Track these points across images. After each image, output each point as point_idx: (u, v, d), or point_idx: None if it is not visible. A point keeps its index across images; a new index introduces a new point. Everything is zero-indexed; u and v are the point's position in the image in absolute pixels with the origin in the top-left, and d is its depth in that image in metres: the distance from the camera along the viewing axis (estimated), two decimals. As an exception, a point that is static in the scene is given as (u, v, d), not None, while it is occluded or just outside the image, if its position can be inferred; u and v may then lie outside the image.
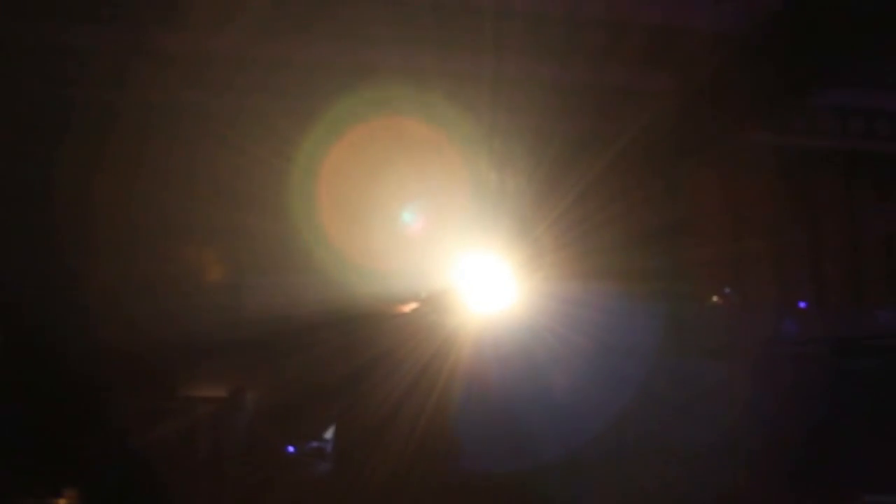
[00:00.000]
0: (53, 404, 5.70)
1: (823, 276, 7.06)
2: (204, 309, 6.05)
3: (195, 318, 5.88)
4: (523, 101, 5.78)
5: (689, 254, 6.46)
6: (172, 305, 5.96)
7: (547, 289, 5.82)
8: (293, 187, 5.92)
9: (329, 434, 6.37)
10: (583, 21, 5.57)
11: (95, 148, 5.76)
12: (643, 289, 6.04)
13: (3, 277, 5.56)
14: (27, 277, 5.73)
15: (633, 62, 5.82)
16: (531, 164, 6.06)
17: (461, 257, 5.95)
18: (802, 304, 6.98)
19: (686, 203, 6.75)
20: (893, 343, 6.48)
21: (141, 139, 5.89)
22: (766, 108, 5.93)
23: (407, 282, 6.10)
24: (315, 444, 6.35)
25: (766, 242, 6.83)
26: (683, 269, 6.39)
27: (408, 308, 6.25)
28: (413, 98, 5.70)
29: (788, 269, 6.99)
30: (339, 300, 5.82)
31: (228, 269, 6.48)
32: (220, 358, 6.23)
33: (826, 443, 5.78)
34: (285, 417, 6.35)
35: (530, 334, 5.75)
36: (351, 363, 5.87)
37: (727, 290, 6.88)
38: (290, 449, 6.33)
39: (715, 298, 6.91)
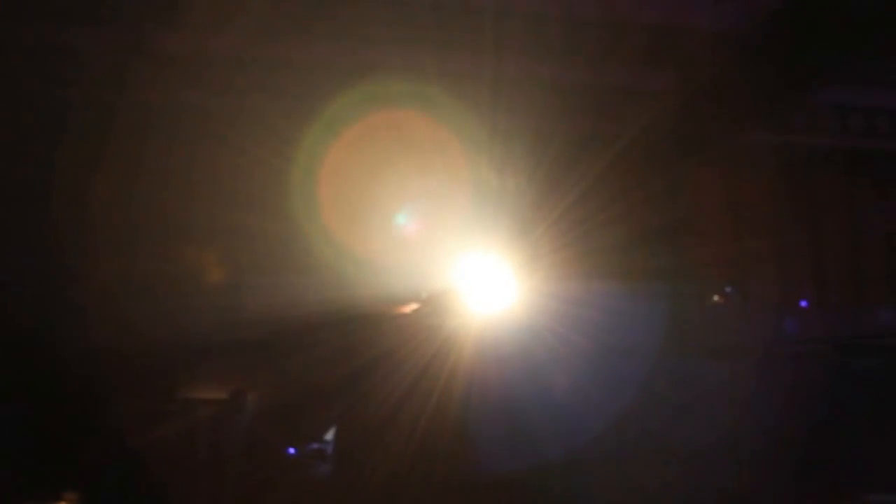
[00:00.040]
0: (54, 406, 5.69)
1: (824, 275, 7.06)
2: (204, 310, 6.04)
3: (195, 319, 5.87)
4: (524, 102, 5.77)
5: (689, 253, 6.46)
6: (173, 306, 5.96)
7: (547, 289, 5.81)
8: (293, 188, 5.91)
9: (329, 435, 6.37)
10: (583, 21, 5.56)
11: (95, 149, 5.75)
12: (644, 289, 6.05)
13: (3, 278, 5.55)
14: (27, 279, 5.72)
15: (634, 62, 5.81)
16: (531, 164, 6.05)
17: (461, 258, 5.95)
18: (803, 303, 6.98)
19: (686, 202, 6.75)
20: (894, 342, 6.49)
21: (140, 140, 5.88)
22: (766, 106, 5.93)
23: (407, 282, 6.09)
24: (315, 445, 6.35)
25: (767, 241, 6.84)
26: (684, 269, 6.39)
27: (408, 309, 6.24)
28: (413, 98, 5.69)
29: (789, 268, 6.99)
30: (340, 301, 5.81)
31: (229, 270, 6.47)
32: (220, 359, 6.22)
33: (827, 442, 5.79)
34: (286, 418, 6.35)
35: (531, 335, 5.75)
36: (351, 364, 5.87)
37: (728, 289, 6.89)
38: (291, 450, 6.33)
39: (716, 298, 6.91)
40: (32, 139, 5.74)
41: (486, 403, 5.73)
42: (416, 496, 5.63)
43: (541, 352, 5.71)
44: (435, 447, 5.65)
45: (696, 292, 6.72)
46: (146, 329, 5.84)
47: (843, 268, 7.09)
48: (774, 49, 5.32)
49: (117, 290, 5.96)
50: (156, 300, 6.01)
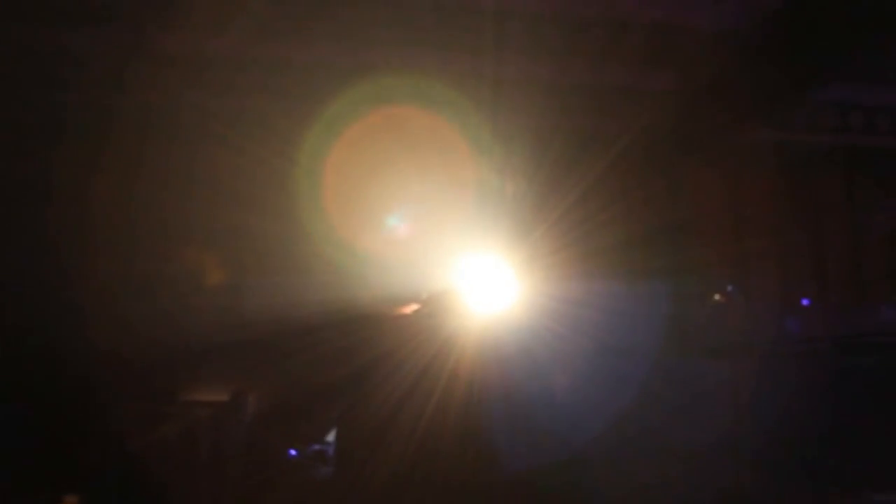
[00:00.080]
0: (54, 408, 5.67)
1: (826, 274, 7.05)
2: (205, 311, 6.04)
3: (196, 320, 5.87)
4: (524, 102, 5.77)
5: (690, 252, 6.45)
6: (173, 307, 5.95)
7: (548, 289, 5.81)
8: (293, 188, 5.91)
9: (331, 436, 6.35)
10: (582, 21, 5.56)
11: (96, 150, 5.75)
12: (645, 288, 6.04)
13: (4, 280, 5.54)
14: (28, 280, 5.71)
15: (634, 61, 5.81)
16: (532, 164, 6.05)
17: (462, 258, 5.95)
18: (805, 302, 6.97)
19: (687, 202, 6.75)
20: (896, 340, 6.48)
21: (141, 141, 5.88)
22: (766, 105, 5.94)
23: (408, 283, 6.09)
24: (317, 446, 6.33)
25: (768, 240, 6.83)
26: (685, 268, 6.38)
27: (409, 309, 6.23)
28: (413, 99, 5.70)
29: (791, 266, 6.98)
30: (340, 301, 5.80)
31: (229, 271, 6.47)
32: (220, 360, 6.21)
33: (831, 441, 5.77)
34: (286, 420, 6.33)
35: (532, 335, 5.74)
36: (352, 365, 5.85)
37: (729, 288, 6.87)
38: (292, 452, 6.31)
39: (717, 297, 6.89)
40: (34, 141, 5.75)
41: (486, 403, 5.71)
42: (417, 497, 5.61)
43: (542, 352, 5.70)
44: (436, 447, 5.63)
45: (697, 291, 6.71)
46: (146, 330, 5.82)
47: (844, 266, 7.07)
48: (774, 48, 5.33)
49: (117, 291, 5.96)
50: (156, 301, 6.00)
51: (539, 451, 5.64)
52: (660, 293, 6.06)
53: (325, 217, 5.94)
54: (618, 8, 5.55)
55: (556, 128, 6.00)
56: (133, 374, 5.91)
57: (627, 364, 5.75)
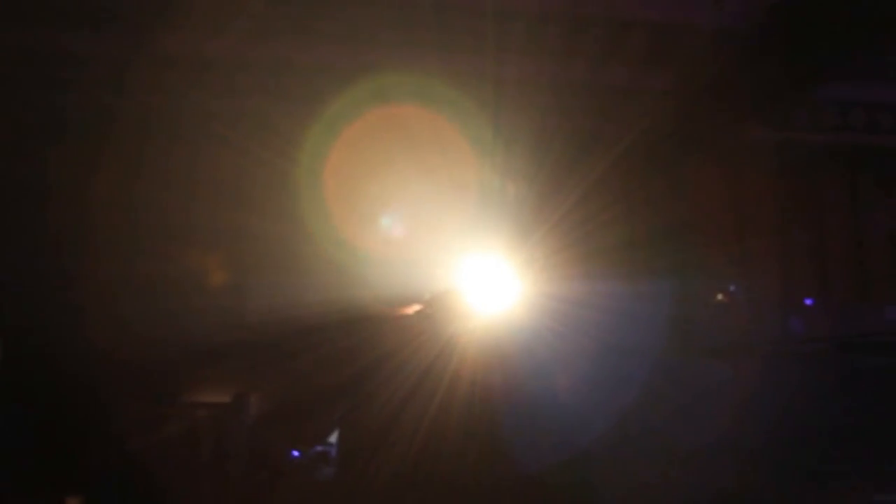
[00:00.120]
0: (56, 409, 5.68)
1: (828, 273, 7.04)
2: (207, 312, 6.04)
3: (199, 322, 5.87)
4: (526, 102, 5.77)
5: (692, 252, 6.44)
6: (176, 309, 5.95)
7: (550, 289, 5.81)
8: (296, 189, 5.91)
9: (333, 438, 6.36)
10: (583, 21, 5.56)
11: (98, 152, 5.75)
12: (647, 288, 6.03)
13: (7, 282, 5.55)
14: (30, 281, 5.72)
15: (635, 61, 5.81)
16: (534, 164, 6.05)
17: (465, 259, 5.95)
18: (808, 302, 6.96)
19: (689, 201, 6.74)
20: (900, 340, 6.48)
21: (141, 142, 5.88)
22: (767, 104, 5.94)
23: (410, 283, 6.09)
24: (320, 447, 6.34)
25: (770, 240, 6.82)
26: (687, 268, 6.37)
27: (411, 310, 6.24)
28: (414, 100, 5.69)
29: (793, 266, 6.98)
30: (343, 302, 5.80)
31: (232, 272, 6.47)
32: (223, 361, 6.21)
33: (833, 441, 5.77)
34: (289, 421, 6.34)
35: (533, 335, 5.74)
36: (355, 365, 5.86)
37: (732, 288, 6.87)
38: (295, 453, 6.32)
39: (720, 297, 6.90)
40: (35, 142, 5.75)
41: (489, 404, 5.72)
42: (420, 497, 5.61)
43: (543, 352, 5.70)
44: (439, 448, 5.63)
45: (699, 291, 6.71)
46: (149, 331, 5.83)
47: (847, 265, 7.06)
48: (775, 47, 5.32)
49: (120, 293, 5.96)
50: (159, 302, 6.00)
51: (541, 450, 5.64)
52: (662, 293, 6.05)
53: (327, 218, 5.93)
54: (618, 8, 5.55)
55: (557, 128, 5.99)
56: (135, 376, 5.92)
57: (629, 364, 5.74)
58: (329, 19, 5.52)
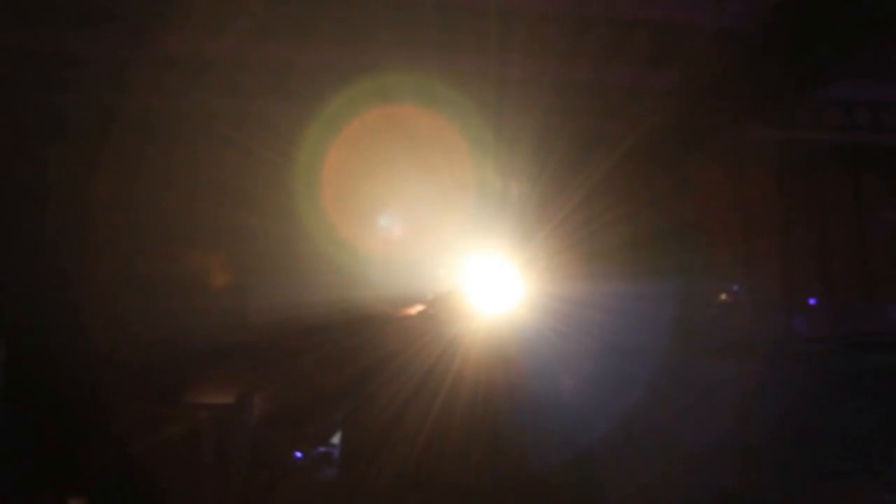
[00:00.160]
0: (58, 410, 5.67)
1: (832, 273, 7.03)
2: (210, 313, 6.03)
3: (201, 322, 5.87)
4: (528, 102, 5.76)
5: (696, 252, 6.44)
6: (178, 309, 5.94)
7: (554, 290, 5.80)
8: (298, 190, 5.90)
9: (336, 438, 6.35)
10: (586, 20, 5.54)
11: (98, 152, 5.74)
12: (651, 288, 6.03)
13: (8, 282, 5.54)
14: (31, 282, 5.71)
15: (637, 61, 5.81)
16: (537, 164, 6.04)
17: (468, 259, 5.94)
18: (812, 301, 6.96)
19: (692, 201, 6.74)
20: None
21: (142, 142, 5.88)
22: (771, 103, 5.93)
23: (413, 284, 6.08)
24: (322, 448, 6.34)
25: (774, 239, 6.82)
26: (691, 268, 6.38)
27: (414, 310, 6.23)
28: (416, 100, 5.68)
29: (797, 265, 6.97)
30: (345, 303, 5.80)
31: (234, 273, 6.46)
32: (226, 362, 6.21)
33: (836, 441, 5.78)
34: (292, 421, 6.33)
35: (537, 336, 5.73)
36: (357, 366, 5.85)
37: (735, 287, 6.87)
38: (297, 454, 6.31)
39: (723, 297, 6.89)
40: (35, 142, 5.74)
41: (492, 404, 5.71)
42: (423, 498, 5.61)
43: (547, 352, 5.70)
44: (441, 449, 5.63)
45: (703, 291, 6.70)
46: (151, 332, 5.83)
47: (851, 265, 7.06)
48: (778, 46, 5.31)
49: (122, 294, 5.95)
50: (160, 303, 5.99)
51: (545, 450, 5.64)
52: (665, 293, 6.05)
53: (329, 219, 5.93)
54: (621, 8, 5.54)
55: (560, 128, 5.99)
56: (137, 376, 5.91)
57: (633, 364, 5.74)
58: (330, 19, 5.50)
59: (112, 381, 5.76)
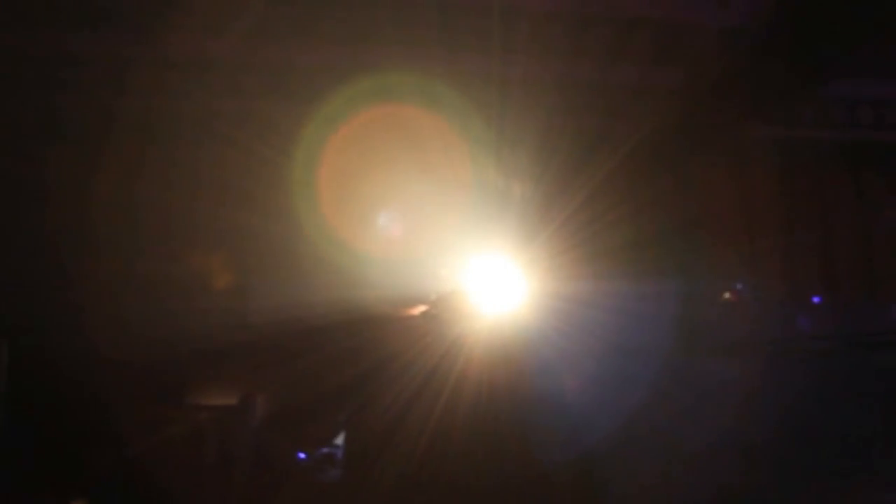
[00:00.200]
0: (59, 411, 5.66)
1: (836, 271, 7.03)
2: (212, 313, 6.03)
3: (203, 323, 5.86)
4: (531, 101, 5.75)
5: (699, 251, 6.44)
6: (180, 310, 5.94)
7: (557, 290, 5.80)
8: (299, 190, 5.89)
9: (339, 439, 6.34)
10: (590, 19, 5.53)
11: (98, 152, 5.73)
12: (654, 288, 6.03)
13: (9, 282, 5.53)
14: (33, 282, 5.70)
15: (641, 60, 5.80)
16: (539, 164, 6.03)
17: (471, 259, 5.94)
18: (815, 300, 6.95)
19: (695, 200, 6.73)
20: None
21: (143, 142, 5.86)
22: (774, 101, 5.93)
23: (416, 284, 6.07)
24: (325, 449, 6.33)
25: (777, 237, 6.82)
26: (694, 267, 6.37)
27: (417, 310, 6.22)
28: (418, 99, 5.67)
29: (800, 264, 6.96)
30: (348, 303, 5.79)
31: (236, 273, 6.45)
32: (228, 363, 6.20)
33: (839, 440, 5.79)
34: (295, 423, 6.32)
35: (540, 336, 5.74)
36: (360, 366, 5.85)
37: (738, 286, 6.87)
38: (301, 455, 6.30)
39: (727, 295, 6.89)
40: (35, 143, 5.73)
41: (495, 405, 5.71)
42: (426, 499, 5.61)
43: (550, 352, 5.70)
44: (445, 449, 5.63)
45: (706, 290, 6.70)
46: (153, 332, 5.82)
47: (854, 263, 7.05)
48: (781, 44, 5.31)
49: (123, 294, 5.94)
50: (162, 304, 5.98)
51: (548, 450, 5.65)
52: (668, 292, 6.05)
53: (332, 219, 5.92)
54: (624, 6, 5.53)
55: (563, 127, 5.98)
56: (138, 377, 5.90)
57: (636, 364, 5.75)
58: (331, 19, 5.49)
59: (114, 381, 5.75)
